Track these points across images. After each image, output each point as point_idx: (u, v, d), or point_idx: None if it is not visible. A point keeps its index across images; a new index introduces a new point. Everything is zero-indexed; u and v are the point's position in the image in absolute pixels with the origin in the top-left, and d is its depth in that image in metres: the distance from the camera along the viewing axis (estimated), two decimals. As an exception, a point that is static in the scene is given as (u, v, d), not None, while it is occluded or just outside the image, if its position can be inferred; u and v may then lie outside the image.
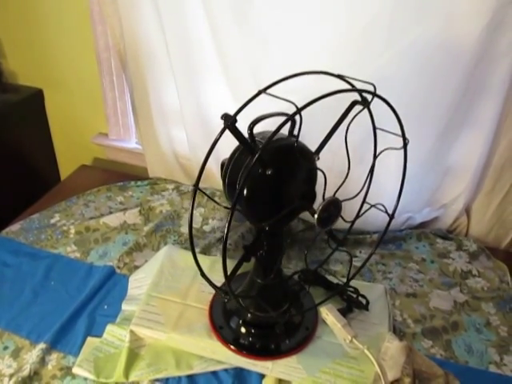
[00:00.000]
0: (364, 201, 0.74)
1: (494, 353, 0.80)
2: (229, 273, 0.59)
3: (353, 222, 0.74)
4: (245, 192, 0.60)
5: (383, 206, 0.69)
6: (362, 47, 0.84)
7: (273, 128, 0.60)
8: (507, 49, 0.83)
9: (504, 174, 1.00)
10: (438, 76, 0.86)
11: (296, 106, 0.50)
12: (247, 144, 0.58)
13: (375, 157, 0.69)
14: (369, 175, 0.71)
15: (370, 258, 0.77)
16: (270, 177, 0.59)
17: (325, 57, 0.86)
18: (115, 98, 1.21)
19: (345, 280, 0.86)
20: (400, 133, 0.64)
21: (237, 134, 0.56)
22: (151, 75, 1.07)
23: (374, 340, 0.76)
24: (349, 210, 0.71)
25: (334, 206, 0.60)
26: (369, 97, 0.59)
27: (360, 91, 0.58)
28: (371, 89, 0.58)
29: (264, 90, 0.57)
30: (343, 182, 0.65)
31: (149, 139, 1.20)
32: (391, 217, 0.70)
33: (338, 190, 0.63)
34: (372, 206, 0.70)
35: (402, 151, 0.66)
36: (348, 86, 0.60)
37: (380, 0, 0.79)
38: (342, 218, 0.64)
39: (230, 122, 0.54)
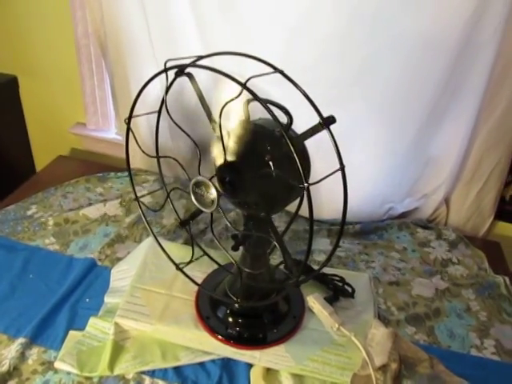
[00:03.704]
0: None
1: (474, 337, 0.82)
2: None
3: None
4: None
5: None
6: (346, 37, 0.84)
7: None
8: (486, 43, 0.85)
9: (482, 164, 1.03)
10: (420, 68, 0.87)
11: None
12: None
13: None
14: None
15: (337, 246, 0.72)
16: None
17: (310, 46, 0.86)
18: (94, 86, 1.18)
19: (328, 270, 0.88)
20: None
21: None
22: (132, 63, 1.04)
23: (361, 327, 0.76)
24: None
25: (205, 189, 0.58)
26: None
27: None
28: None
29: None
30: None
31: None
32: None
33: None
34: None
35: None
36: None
37: None
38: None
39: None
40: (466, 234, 1.10)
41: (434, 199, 1.09)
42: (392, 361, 0.70)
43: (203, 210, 0.60)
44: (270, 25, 0.87)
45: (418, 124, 0.94)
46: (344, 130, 0.84)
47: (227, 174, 0.58)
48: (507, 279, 0.94)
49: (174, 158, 0.68)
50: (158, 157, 0.73)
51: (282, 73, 0.53)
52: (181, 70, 0.56)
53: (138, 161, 1.24)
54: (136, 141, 0.66)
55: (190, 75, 0.60)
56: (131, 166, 1.24)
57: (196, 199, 0.60)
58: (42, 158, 1.40)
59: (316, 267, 0.88)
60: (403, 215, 1.15)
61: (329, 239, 1.05)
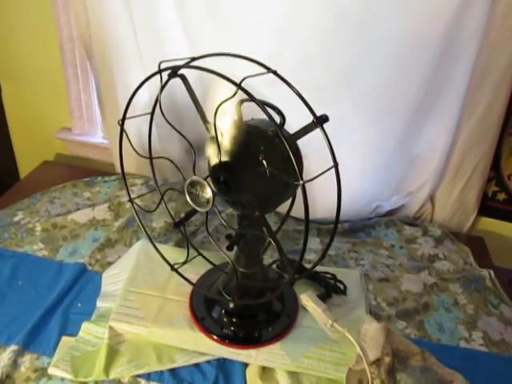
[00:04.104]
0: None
1: (463, 329, 0.84)
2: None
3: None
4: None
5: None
6: (333, 38, 0.86)
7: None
8: (467, 43, 0.87)
9: (465, 161, 1.05)
10: (405, 69, 0.89)
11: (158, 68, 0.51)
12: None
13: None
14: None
15: (330, 243, 0.74)
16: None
17: (297, 47, 0.87)
18: (79, 90, 1.17)
19: (320, 268, 0.89)
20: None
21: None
22: (119, 66, 1.04)
23: (354, 323, 0.78)
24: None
25: (200, 189, 0.59)
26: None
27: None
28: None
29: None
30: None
31: (116, 133, 1.16)
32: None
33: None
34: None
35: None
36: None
37: None
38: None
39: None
40: (451, 230, 1.12)
41: (420, 196, 1.12)
42: (385, 355, 0.71)
43: (198, 209, 0.60)
44: (257, 25, 0.88)
45: (403, 123, 0.96)
46: (331, 131, 0.86)
47: (221, 174, 0.58)
48: (492, 272, 0.97)
49: (168, 159, 0.68)
50: (150, 158, 0.73)
51: (275, 73, 0.54)
52: (174, 72, 0.56)
53: (126, 164, 1.23)
54: (130, 142, 0.66)
55: (183, 77, 0.61)
56: (119, 170, 1.25)
57: (191, 199, 0.60)
58: (26, 164, 1.38)
59: (308, 266, 0.89)
60: (390, 213, 1.17)
61: (318, 238, 1.07)
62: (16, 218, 1.04)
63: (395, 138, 0.98)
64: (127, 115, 1.00)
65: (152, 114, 0.66)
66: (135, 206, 0.75)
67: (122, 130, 0.64)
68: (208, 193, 0.57)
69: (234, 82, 0.49)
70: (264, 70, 0.55)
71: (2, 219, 1.03)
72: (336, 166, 0.51)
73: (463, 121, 0.99)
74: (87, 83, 1.17)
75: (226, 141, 0.56)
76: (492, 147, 1.03)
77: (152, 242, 0.74)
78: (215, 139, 0.55)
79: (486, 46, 0.89)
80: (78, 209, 1.08)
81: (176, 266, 0.72)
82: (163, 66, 0.56)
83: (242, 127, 0.57)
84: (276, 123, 0.50)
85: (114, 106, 1.10)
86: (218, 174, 0.58)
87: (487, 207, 1.15)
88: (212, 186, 0.58)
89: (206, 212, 0.62)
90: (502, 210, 1.15)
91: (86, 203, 1.11)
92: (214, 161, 0.58)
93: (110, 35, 1.00)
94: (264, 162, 0.57)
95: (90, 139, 1.27)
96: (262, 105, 0.49)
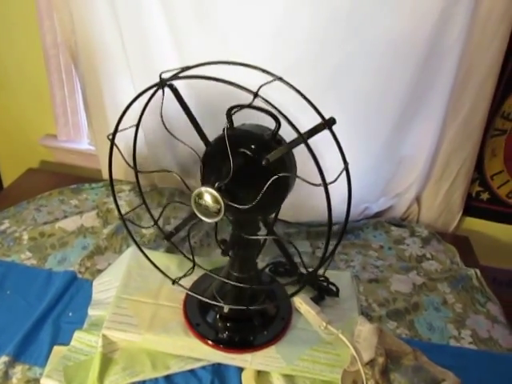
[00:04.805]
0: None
1: (452, 328, 0.86)
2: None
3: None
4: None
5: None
6: (323, 40, 0.87)
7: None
8: (451, 47, 0.90)
9: (451, 162, 1.08)
10: (391, 72, 0.91)
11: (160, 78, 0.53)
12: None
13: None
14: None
15: (337, 247, 0.78)
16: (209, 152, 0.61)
17: (288, 51, 0.88)
18: (64, 96, 1.16)
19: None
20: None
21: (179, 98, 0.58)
22: (105, 72, 1.03)
23: (347, 324, 0.78)
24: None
25: (211, 199, 0.58)
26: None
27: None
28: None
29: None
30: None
31: (103, 139, 1.15)
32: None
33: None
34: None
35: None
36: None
37: None
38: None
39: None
40: (437, 230, 1.15)
41: (407, 198, 1.14)
42: (379, 355, 0.72)
43: (207, 220, 0.59)
44: (246, 31, 0.89)
45: (390, 126, 0.98)
46: (319, 134, 0.87)
47: (227, 185, 0.58)
48: (478, 271, 0.99)
49: (171, 171, 0.67)
50: (136, 171, 0.72)
51: (281, 79, 0.54)
52: (170, 86, 0.56)
53: (114, 171, 1.22)
54: (122, 156, 0.65)
55: (175, 90, 0.60)
56: (106, 177, 1.24)
57: (199, 210, 0.59)
58: (9, 172, 1.36)
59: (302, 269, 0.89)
60: (377, 214, 1.18)
61: (308, 241, 1.07)
62: (2, 227, 1.02)
63: (382, 140, 1.00)
64: (111, 125, 0.98)
65: (138, 125, 0.65)
66: (127, 222, 0.74)
67: (113, 145, 0.63)
68: (218, 203, 0.56)
69: (250, 91, 0.50)
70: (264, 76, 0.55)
71: (-12, 228, 1.01)
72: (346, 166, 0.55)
73: (448, 123, 1.01)
74: (72, 89, 1.15)
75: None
76: (476, 149, 1.06)
77: (147, 256, 0.73)
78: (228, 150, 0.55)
79: (469, 49, 0.91)
80: (66, 216, 1.07)
81: (176, 279, 0.72)
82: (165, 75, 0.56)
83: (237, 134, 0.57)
84: (298, 131, 0.52)
85: (101, 112, 1.09)
86: (223, 184, 0.58)
87: (471, 207, 1.18)
88: (221, 196, 0.56)
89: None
90: (485, 209, 1.18)
91: (74, 210, 1.10)
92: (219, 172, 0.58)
93: (96, 40, 0.99)
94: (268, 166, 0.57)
95: (76, 146, 1.25)
96: (280, 112, 0.50)
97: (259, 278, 0.78)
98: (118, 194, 1.17)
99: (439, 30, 0.85)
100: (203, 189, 0.57)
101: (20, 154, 1.32)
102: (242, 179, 0.58)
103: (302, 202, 0.99)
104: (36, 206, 1.10)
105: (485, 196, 1.17)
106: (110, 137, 0.63)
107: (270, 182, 0.55)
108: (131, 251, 0.92)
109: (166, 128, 0.62)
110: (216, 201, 0.56)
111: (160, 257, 0.89)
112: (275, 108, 0.50)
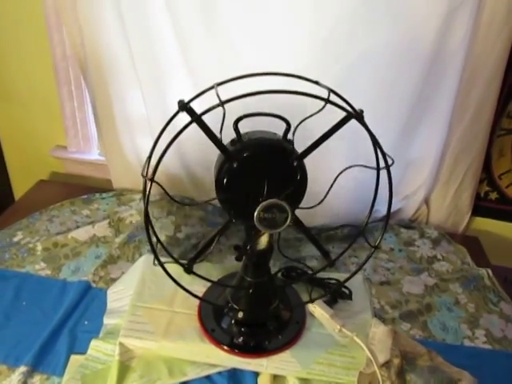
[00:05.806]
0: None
1: (466, 328, 0.86)
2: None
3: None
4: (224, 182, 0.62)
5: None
6: (327, 49, 0.88)
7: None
8: (455, 51, 0.91)
9: (458, 164, 1.08)
10: (398, 76, 0.92)
11: (219, 100, 0.54)
12: (213, 136, 0.60)
13: (378, 169, 0.69)
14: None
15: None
16: (237, 169, 0.61)
17: (292, 58, 0.89)
18: (74, 108, 1.18)
19: (323, 274, 0.90)
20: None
21: (203, 126, 0.59)
22: (115, 83, 1.05)
23: (361, 327, 0.79)
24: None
25: (277, 210, 0.60)
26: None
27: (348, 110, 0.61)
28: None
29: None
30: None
31: (113, 150, 1.17)
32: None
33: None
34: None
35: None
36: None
37: (342, 3, 0.83)
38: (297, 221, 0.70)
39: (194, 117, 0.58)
40: (447, 231, 1.15)
41: (415, 200, 1.14)
42: (394, 357, 0.73)
43: (271, 231, 0.63)
44: (252, 40, 0.90)
45: (397, 130, 0.99)
46: (328, 140, 0.87)
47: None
48: (489, 271, 0.99)
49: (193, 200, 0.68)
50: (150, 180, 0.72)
51: (317, 83, 0.60)
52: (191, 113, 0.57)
53: (122, 179, 1.24)
54: (165, 191, 0.64)
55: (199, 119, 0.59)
56: (116, 186, 1.25)
57: (263, 224, 0.61)
58: (20, 184, 1.37)
59: (310, 272, 0.90)
60: (386, 217, 1.19)
61: (318, 245, 1.08)
62: (16, 239, 1.03)
63: (390, 143, 1.00)
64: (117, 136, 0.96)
65: (167, 148, 0.62)
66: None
67: (151, 184, 0.59)
68: (285, 211, 0.60)
69: (322, 98, 0.55)
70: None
71: (2, 240, 1.02)
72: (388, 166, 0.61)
73: (454, 125, 1.02)
74: (82, 101, 1.17)
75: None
76: (483, 149, 1.06)
77: (167, 271, 0.74)
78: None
79: (473, 52, 0.92)
80: (78, 226, 1.08)
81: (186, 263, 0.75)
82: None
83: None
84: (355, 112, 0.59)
85: (111, 123, 1.11)
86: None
87: (480, 207, 1.19)
88: (287, 205, 0.60)
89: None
90: (494, 209, 1.19)
91: (86, 221, 1.11)
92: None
93: (104, 52, 1.01)
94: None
95: (86, 156, 1.27)
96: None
97: (273, 283, 0.79)
98: (128, 203, 1.19)
99: (443, 34, 0.86)
100: (272, 201, 0.60)
101: (31, 166, 1.34)
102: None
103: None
104: (48, 216, 1.11)
105: (493, 196, 1.17)
106: (149, 177, 0.59)
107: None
108: (144, 259, 0.93)
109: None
110: (282, 210, 0.59)
111: (173, 265, 0.89)
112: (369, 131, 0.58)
